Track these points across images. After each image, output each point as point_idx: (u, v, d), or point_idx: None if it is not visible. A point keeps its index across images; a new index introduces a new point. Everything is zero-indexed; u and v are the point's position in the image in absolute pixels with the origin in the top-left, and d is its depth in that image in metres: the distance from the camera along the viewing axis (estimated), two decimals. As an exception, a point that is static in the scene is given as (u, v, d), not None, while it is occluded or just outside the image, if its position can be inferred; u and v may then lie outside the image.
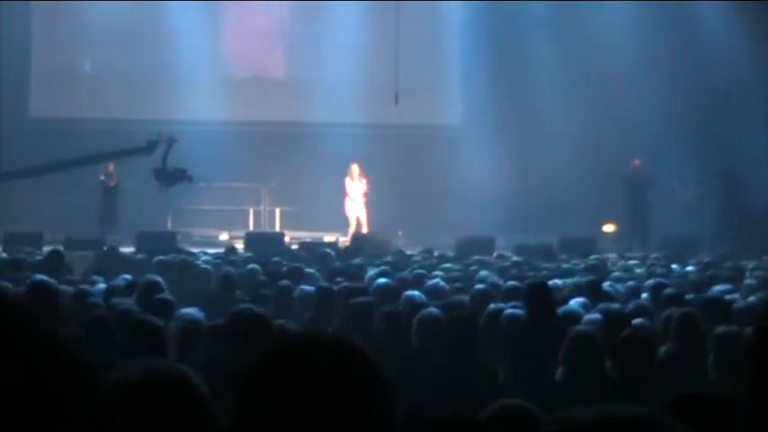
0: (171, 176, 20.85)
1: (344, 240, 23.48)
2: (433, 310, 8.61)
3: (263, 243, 21.06)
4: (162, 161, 20.98)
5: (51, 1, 26.38)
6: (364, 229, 24.02)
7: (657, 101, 25.11)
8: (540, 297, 8.56)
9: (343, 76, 25.67)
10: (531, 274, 14.67)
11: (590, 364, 6.90)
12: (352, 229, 24.14)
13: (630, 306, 9.56)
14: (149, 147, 21.19)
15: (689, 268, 16.52)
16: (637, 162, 24.55)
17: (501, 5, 26.12)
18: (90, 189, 24.07)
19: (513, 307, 9.12)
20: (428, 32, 26.82)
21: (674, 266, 16.71)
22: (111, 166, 23.87)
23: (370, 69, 25.73)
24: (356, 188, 24.18)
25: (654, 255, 19.59)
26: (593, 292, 10.05)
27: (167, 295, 9.03)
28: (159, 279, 9.58)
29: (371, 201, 24.29)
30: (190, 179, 21.05)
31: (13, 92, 26.12)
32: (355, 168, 24.18)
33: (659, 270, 15.72)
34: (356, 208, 24.24)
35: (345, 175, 24.21)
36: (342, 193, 24.20)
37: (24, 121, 26.45)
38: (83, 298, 8.68)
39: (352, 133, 25.25)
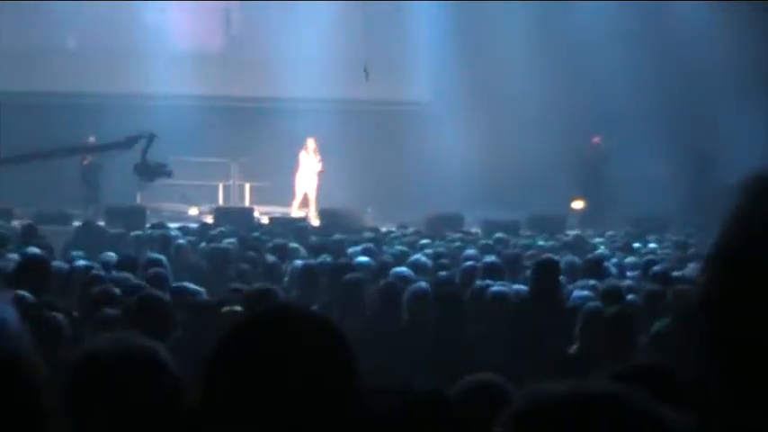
0: (151, 171, 22.04)
1: (289, 211, 23.82)
2: (423, 284, 8.70)
3: (233, 218, 21.06)
4: (142, 156, 21.98)
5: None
6: (312, 205, 24.14)
7: (630, 78, 25.09)
8: (548, 273, 8.67)
9: (312, 52, 25.63)
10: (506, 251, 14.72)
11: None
12: (297, 203, 24.30)
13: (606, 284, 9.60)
14: (129, 141, 22.11)
15: (651, 245, 16.66)
16: (596, 139, 24.67)
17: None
18: (59, 165, 23.98)
19: (503, 284, 9.24)
20: (397, 7, 26.79)
21: (636, 245, 16.82)
22: (92, 139, 23.86)
23: (339, 45, 25.74)
24: (310, 163, 24.29)
25: (609, 232, 19.73)
26: (596, 270, 10.14)
27: (162, 270, 9.07)
28: (162, 257, 9.62)
29: (339, 175, 24.38)
30: (169, 174, 22.39)
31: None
32: (311, 143, 24.30)
33: (618, 246, 15.91)
34: (306, 183, 24.36)
35: (301, 149, 24.32)
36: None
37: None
38: (84, 273, 8.71)
39: (321, 108, 25.22)
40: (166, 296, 7.24)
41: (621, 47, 25.21)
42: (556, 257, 10.09)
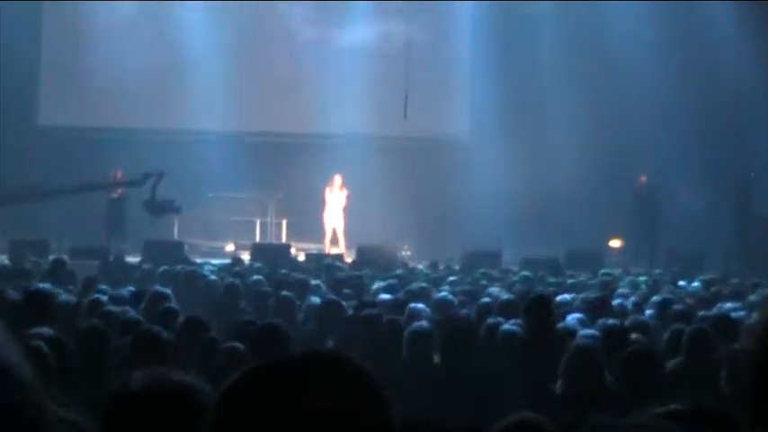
0: (160, 207, 22.61)
1: (321, 248, 23.87)
2: (424, 323, 8.59)
3: (270, 254, 21.07)
4: (151, 193, 22.44)
5: (62, 1, 26.49)
6: (341, 242, 24.07)
7: (668, 112, 25.07)
8: (540, 311, 8.54)
9: (351, 87, 25.66)
10: (538, 288, 14.58)
11: (590, 378, 6.90)
12: (328, 240, 24.28)
13: (629, 321, 9.53)
14: (142, 179, 22.71)
15: (695, 284, 16.46)
16: (643, 179, 24.46)
17: (511, 16, 26.16)
18: (97, 197, 24.11)
19: (514, 323, 9.12)
20: (438, 43, 26.81)
21: (681, 283, 16.64)
22: (118, 174, 23.92)
23: (379, 80, 25.75)
24: (336, 199, 24.23)
25: (657, 270, 19.56)
26: (603, 308, 10.00)
27: (172, 305, 9.04)
28: (167, 291, 9.59)
29: (377, 212, 24.36)
30: (178, 210, 22.85)
31: (23, 99, 26.14)
32: (337, 180, 24.24)
33: (664, 285, 15.72)
34: (334, 219, 24.30)
35: (326, 185, 24.29)
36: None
37: (33, 129, 26.44)
38: (92, 308, 8.70)
39: (359, 144, 25.21)
40: (166, 333, 7.13)
41: (661, 82, 25.13)
42: (547, 294, 10.00)
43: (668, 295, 12.25)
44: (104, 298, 9.53)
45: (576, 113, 24.99)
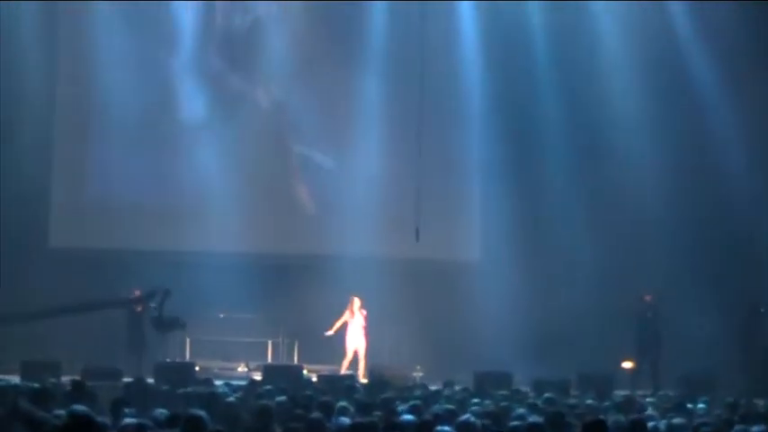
0: (167, 324, 22.77)
1: (337, 369, 23.94)
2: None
3: (282, 375, 21.10)
4: (158, 311, 22.46)
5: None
6: (362, 363, 24.24)
7: (678, 234, 25.27)
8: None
9: (363, 210, 25.90)
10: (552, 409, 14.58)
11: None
12: (346, 362, 24.40)
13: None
14: (147, 297, 22.96)
15: (700, 405, 16.48)
16: (648, 298, 24.58)
17: (519, 140, 26.50)
18: (107, 319, 24.16)
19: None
20: (449, 169, 27.17)
21: (688, 405, 16.64)
22: (137, 293, 24.05)
23: (391, 203, 26.02)
24: (356, 321, 24.44)
25: (660, 392, 19.56)
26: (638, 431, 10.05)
27: (215, 427, 9.09)
28: (202, 413, 9.66)
29: (388, 334, 24.44)
30: (183, 326, 23.02)
31: (33, 222, 26.31)
32: (356, 301, 24.42)
33: (669, 406, 15.73)
34: (355, 340, 24.46)
35: (345, 309, 24.44)
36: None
37: (44, 251, 26.54)
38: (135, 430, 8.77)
39: (370, 267, 25.32)
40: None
41: (672, 205, 25.41)
42: (603, 418, 10.02)
43: (701, 419, 12.28)
44: (149, 422, 9.58)
45: (586, 237, 25.25)
